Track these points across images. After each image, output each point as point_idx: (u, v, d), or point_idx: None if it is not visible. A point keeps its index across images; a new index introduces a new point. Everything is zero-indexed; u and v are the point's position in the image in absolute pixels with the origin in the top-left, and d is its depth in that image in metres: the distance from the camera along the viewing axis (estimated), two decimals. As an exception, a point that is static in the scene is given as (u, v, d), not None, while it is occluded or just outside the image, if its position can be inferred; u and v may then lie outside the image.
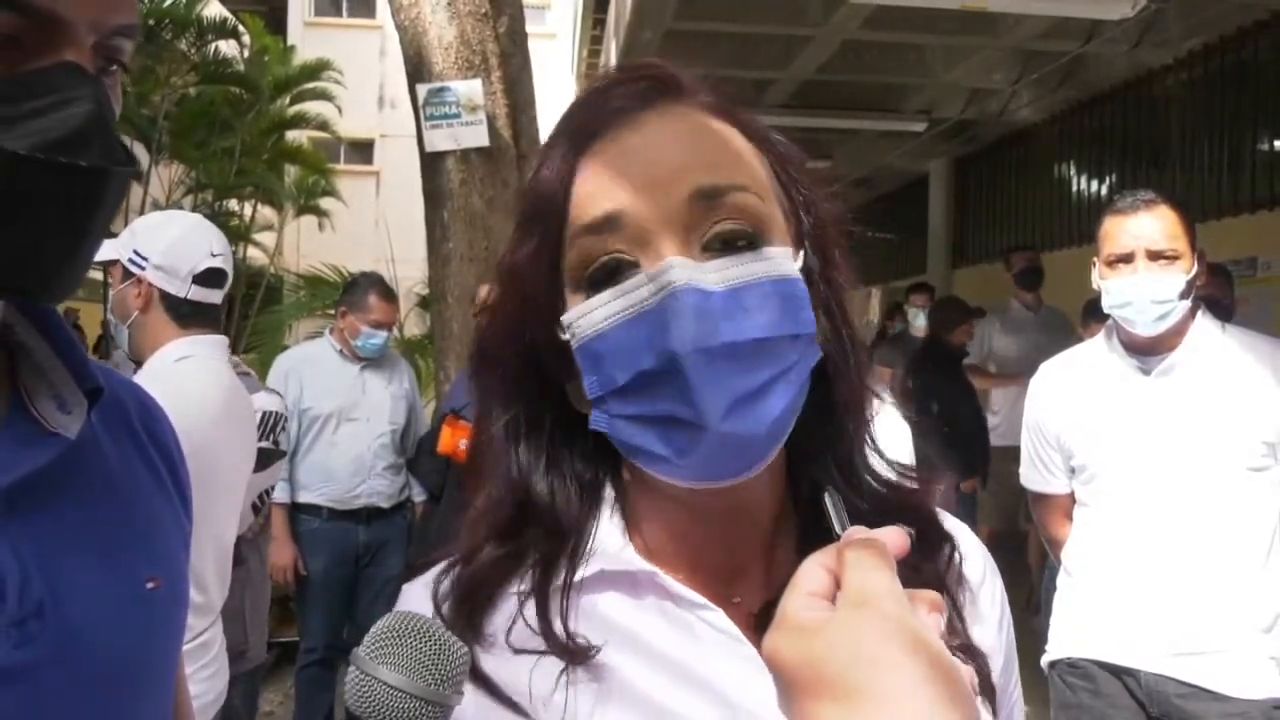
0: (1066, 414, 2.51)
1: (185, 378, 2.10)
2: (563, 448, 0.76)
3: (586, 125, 0.72)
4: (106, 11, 0.72)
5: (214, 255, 2.23)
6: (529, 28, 5.84)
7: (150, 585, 0.85)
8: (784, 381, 0.67)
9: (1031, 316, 6.02)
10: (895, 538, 0.58)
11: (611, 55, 10.23)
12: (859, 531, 0.59)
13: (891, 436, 0.83)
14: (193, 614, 2.03)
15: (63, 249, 0.71)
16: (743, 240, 0.68)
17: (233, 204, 11.42)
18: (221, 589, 2.21)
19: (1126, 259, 2.30)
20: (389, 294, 4.25)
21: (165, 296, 2.17)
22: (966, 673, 0.52)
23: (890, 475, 0.79)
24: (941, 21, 6.54)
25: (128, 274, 2.17)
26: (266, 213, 13.25)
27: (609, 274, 0.68)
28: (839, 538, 0.59)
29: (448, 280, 4.73)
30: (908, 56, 7.61)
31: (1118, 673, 2.34)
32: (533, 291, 0.72)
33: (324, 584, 4.17)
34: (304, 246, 15.94)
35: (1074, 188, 8.92)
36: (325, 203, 13.69)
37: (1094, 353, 2.52)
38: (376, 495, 4.23)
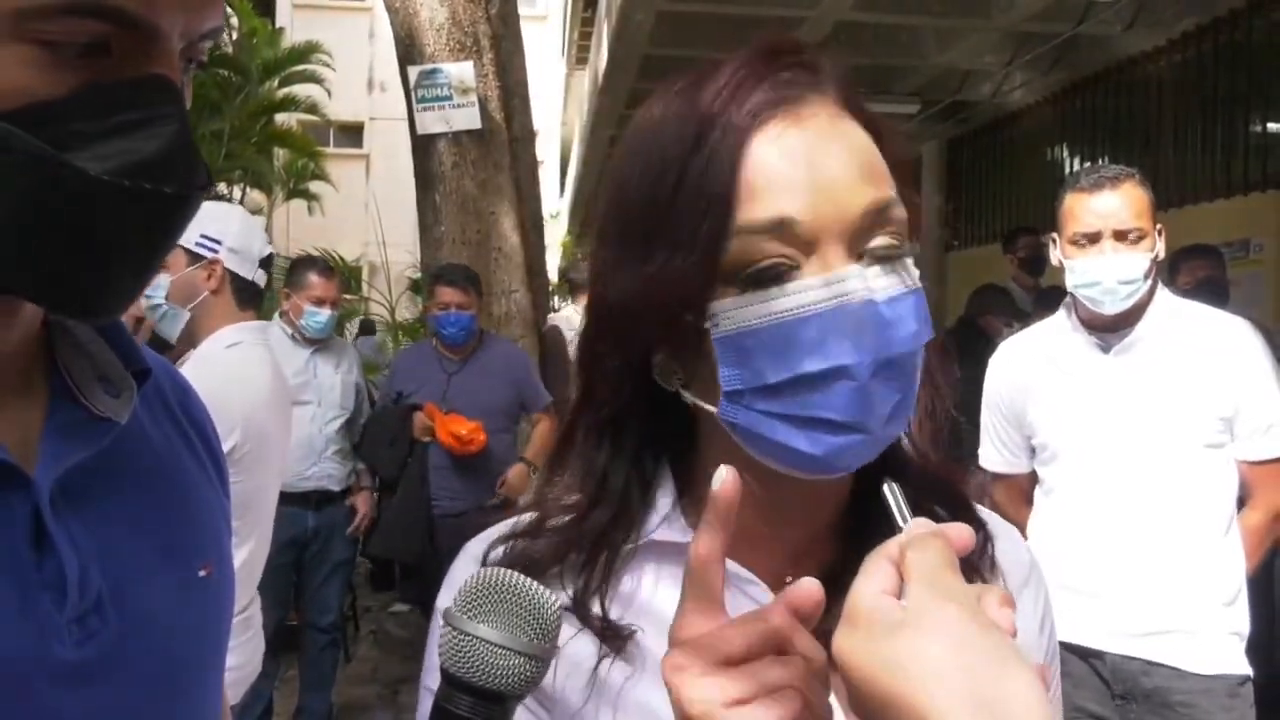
0: (1027, 392, 2.48)
1: (241, 363, 2.20)
2: (631, 422, 0.77)
3: (750, 110, 0.68)
4: (198, 20, 0.66)
5: (267, 243, 2.37)
6: (519, 11, 5.81)
7: (203, 573, 0.82)
8: (917, 384, 0.70)
9: (1031, 301, 6.02)
10: (960, 534, 0.57)
11: (603, 38, 10.17)
12: (922, 525, 0.58)
13: None
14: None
15: (132, 274, 0.67)
16: (896, 251, 0.69)
17: (222, 188, 11.34)
18: (264, 565, 2.31)
19: (1093, 238, 2.28)
20: (328, 271, 4.34)
21: (235, 279, 2.26)
22: (1041, 670, 0.50)
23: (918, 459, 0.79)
24: (934, 3, 6.53)
25: (193, 258, 2.21)
26: (256, 196, 13.18)
27: (774, 276, 0.67)
28: (900, 530, 0.58)
29: (439, 264, 4.70)
30: (900, 38, 7.59)
31: (1084, 655, 2.33)
32: (678, 273, 0.68)
33: (272, 568, 4.13)
34: (293, 230, 15.86)
35: (1066, 170, 8.92)
36: (315, 186, 13.64)
37: (1053, 330, 2.48)
38: (327, 479, 4.26)
